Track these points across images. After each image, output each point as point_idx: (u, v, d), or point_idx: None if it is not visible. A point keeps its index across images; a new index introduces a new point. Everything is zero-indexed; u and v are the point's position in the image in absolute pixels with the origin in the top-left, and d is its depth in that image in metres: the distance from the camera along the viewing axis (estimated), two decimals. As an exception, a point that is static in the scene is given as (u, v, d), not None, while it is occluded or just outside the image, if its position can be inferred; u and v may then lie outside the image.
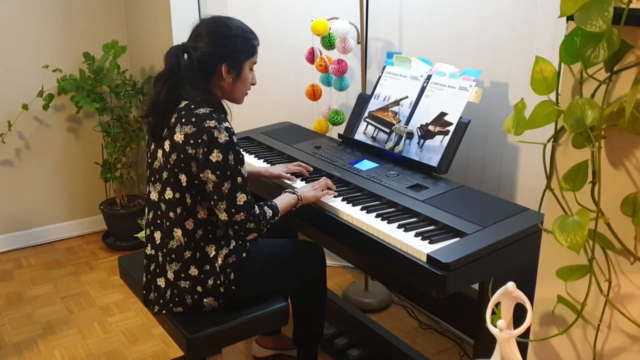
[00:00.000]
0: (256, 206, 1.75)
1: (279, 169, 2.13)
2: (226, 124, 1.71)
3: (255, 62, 1.87)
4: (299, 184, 2.07)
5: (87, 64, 3.18)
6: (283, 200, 1.86)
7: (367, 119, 2.34)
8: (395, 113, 2.25)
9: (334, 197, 1.94)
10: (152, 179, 1.84)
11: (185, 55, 1.77)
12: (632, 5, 0.89)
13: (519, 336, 1.13)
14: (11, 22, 3.11)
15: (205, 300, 1.82)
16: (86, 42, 3.27)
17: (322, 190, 1.93)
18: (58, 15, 3.21)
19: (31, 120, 3.27)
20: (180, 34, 2.94)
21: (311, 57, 2.62)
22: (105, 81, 3.18)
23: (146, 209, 1.91)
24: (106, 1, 3.33)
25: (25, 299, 2.90)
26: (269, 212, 1.78)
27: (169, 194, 1.76)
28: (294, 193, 1.89)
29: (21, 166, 3.31)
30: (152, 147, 1.84)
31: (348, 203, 1.89)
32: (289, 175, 2.10)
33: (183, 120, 1.71)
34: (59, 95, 3.17)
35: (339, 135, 2.44)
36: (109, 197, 3.52)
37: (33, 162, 3.34)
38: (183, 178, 1.73)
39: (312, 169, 2.14)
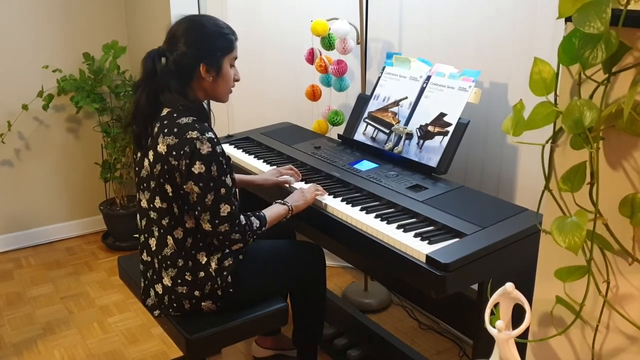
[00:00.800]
0: (242, 216, 1.72)
1: (273, 176, 2.10)
2: (209, 134, 1.66)
3: (235, 58, 1.82)
4: (301, 186, 2.07)
5: (87, 64, 3.19)
6: (272, 211, 1.84)
7: (366, 120, 2.34)
8: (395, 113, 2.25)
9: (327, 195, 1.94)
10: (141, 186, 1.82)
11: (163, 60, 1.74)
12: (630, 7, 0.89)
13: (518, 337, 1.14)
14: (11, 22, 3.11)
15: (203, 304, 1.81)
16: (86, 43, 3.27)
17: (312, 193, 1.92)
18: (58, 15, 3.22)
19: (31, 120, 3.27)
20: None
21: (311, 57, 2.63)
22: (105, 81, 3.19)
23: (138, 215, 1.90)
24: (106, 1, 3.33)
25: (25, 299, 2.90)
26: (256, 223, 1.76)
27: (157, 202, 1.75)
28: (284, 204, 1.87)
29: (21, 166, 3.31)
30: (139, 155, 1.81)
31: (347, 203, 1.89)
32: (285, 179, 2.08)
33: (165, 130, 1.68)
34: (58, 96, 3.18)
35: (339, 135, 2.44)
36: (108, 198, 3.52)
37: (33, 163, 3.34)
38: (169, 188, 1.71)
39: (301, 177, 2.12)
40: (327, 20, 2.51)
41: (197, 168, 1.64)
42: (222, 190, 1.67)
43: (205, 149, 1.64)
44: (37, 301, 2.88)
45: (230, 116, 2.98)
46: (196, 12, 2.95)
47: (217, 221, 1.67)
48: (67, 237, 3.53)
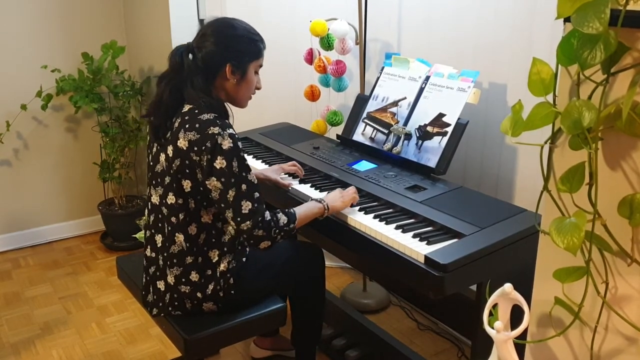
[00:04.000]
0: (267, 213, 1.69)
1: (275, 173, 2.10)
2: (230, 131, 1.67)
3: (261, 65, 1.85)
4: (299, 186, 2.06)
5: (85, 64, 3.18)
6: (305, 209, 1.79)
7: (365, 120, 2.34)
8: (394, 114, 2.25)
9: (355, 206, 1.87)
10: (154, 182, 1.81)
11: (190, 55, 1.75)
12: (628, 7, 0.89)
13: (517, 337, 1.13)
14: (10, 22, 3.10)
15: (204, 305, 1.81)
16: (85, 42, 3.27)
17: (350, 196, 1.85)
18: (57, 15, 3.21)
19: (30, 120, 3.27)
20: (179, 34, 2.94)
21: (310, 57, 2.62)
22: (103, 81, 3.18)
23: (146, 210, 1.89)
24: (105, 1, 3.33)
25: (23, 299, 2.90)
26: (283, 220, 1.72)
27: (171, 199, 1.74)
28: (320, 202, 1.82)
29: (20, 166, 3.31)
30: (154, 150, 1.81)
31: (346, 204, 1.89)
32: (286, 182, 2.07)
33: (187, 125, 1.68)
34: (57, 96, 3.17)
35: (338, 136, 2.44)
36: (107, 198, 3.52)
37: (31, 162, 3.34)
38: (187, 184, 1.70)
39: (303, 173, 2.12)
40: (326, 20, 2.50)
41: (219, 163, 1.64)
42: (243, 187, 1.66)
43: (226, 144, 1.64)
44: (35, 301, 2.88)
45: (232, 118, 2.98)
46: (195, 13, 2.96)
47: (239, 219, 1.65)
48: (65, 237, 3.53)
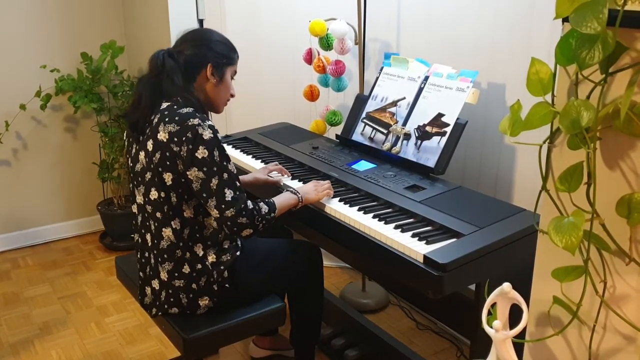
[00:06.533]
0: (249, 201, 1.74)
1: (262, 174, 2.12)
2: (209, 122, 1.72)
3: (235, 72, 1.91)
4: (298, 184, 2.07)
5: (84, 64, 3.19)
6: (282, 199, 1.85)
7: (364, 120, 2.34)
8: (393, 114, 2.25)
9: (332, 197, 1.94)
10: (135, 182, 1.83)
11: (170, 59, 1.80)
12: (627, 7, 0.89)
13: (515, 337, 1.14)
14: (9, 22, 3.10)
15: (200, 300, 1.81)
16: (84, 42, 3.27)
17: (324, 190, 1.93)
18: (56, 15, 3.21)
19: (29, 120, 3.27)
20: (178, 34, 2.94)
21: (309, 57, 2.62)
22: (102, 81, 3.19)
23: (134, 213, 1.90)
24: (104, 1, 3.33)
25: (22, 299, 2.90)
26: (265, 208, 1.76)
27: (153, 194, 1.76)
28: (295, 193, 1.88)
29: (19, 166, 3.31)
30: (134, 151, 1.83)
31: (345, 204, 1.89)
32: (276, 179, 2.10)
33: (166, 119, 1.71)
34: (56, 96, 3.18)
35: (337, 136, 2.44)
36: (106, 197, 3.52)
37: (30, 162, 3.34)
38: (168, 177, 1.72)
39: (290, 174, 2.14)
40: (325, 20, 2.51)
41: (201, 153, 1.66)
42: (225, 175, 1.69)
43: (207, 134, 1.68)
44: (34, 301, 2.88)
45: (228, 116, 2.98)
46: (194, 12, 2.96)
47: (222, 206, 1.68)
48: (64, 237, 3.53)
